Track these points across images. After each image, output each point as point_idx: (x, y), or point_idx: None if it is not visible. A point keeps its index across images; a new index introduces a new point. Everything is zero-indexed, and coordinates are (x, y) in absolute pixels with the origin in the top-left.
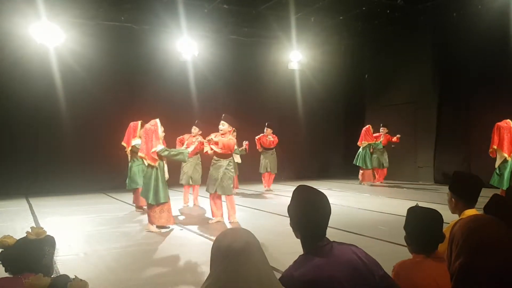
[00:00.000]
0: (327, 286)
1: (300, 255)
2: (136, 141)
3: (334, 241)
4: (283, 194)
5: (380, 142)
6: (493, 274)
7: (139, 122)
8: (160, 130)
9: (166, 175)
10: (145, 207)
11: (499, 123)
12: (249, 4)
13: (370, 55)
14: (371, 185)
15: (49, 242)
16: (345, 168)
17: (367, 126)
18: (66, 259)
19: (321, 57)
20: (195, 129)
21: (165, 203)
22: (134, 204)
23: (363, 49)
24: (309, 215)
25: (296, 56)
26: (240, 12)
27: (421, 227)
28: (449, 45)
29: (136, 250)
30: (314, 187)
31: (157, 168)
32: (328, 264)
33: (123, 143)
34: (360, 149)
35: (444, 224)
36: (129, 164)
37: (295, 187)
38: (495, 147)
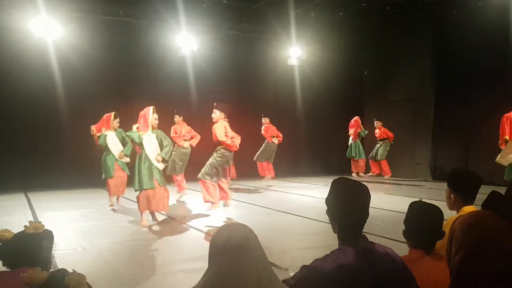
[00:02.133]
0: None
1: (338, 249)
2: (109, 134)
3: (376, 243)
4: (281, 190)
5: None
6: (493, 269)
7: (112, 114)
8: (152, 117)
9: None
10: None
11: (507, 114)
12: None
13: (369, 51)
14: (360, 176)
15: (47, 236)
16: (343, 164)
17: (356, 117)
18: (64, 253)
19: (320, 53)
20: (177, 117)
21: (147, 189)
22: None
23: (362, 45)
24: (350, 203)
25: (296, 52)
26: (240, 7)
27: (420, 222)
28: (448, 42)
29: (134, 245)
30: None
31: (140, 155)
32: (361, 268)
33: (93, 127)
34: (350, 141)
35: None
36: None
37: (297, 183)
38: (507, 137)
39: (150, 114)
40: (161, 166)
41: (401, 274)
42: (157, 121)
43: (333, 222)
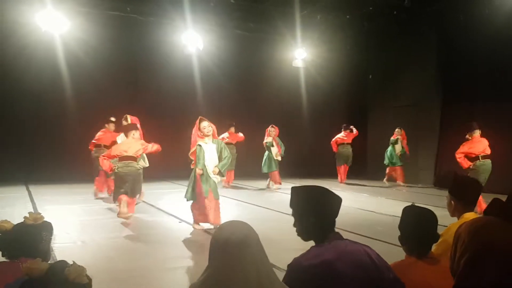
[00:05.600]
0: (334, 281)
1: (312, 246)
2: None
3: (347, 239)
4: (283, 192)
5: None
6: (498, 273)
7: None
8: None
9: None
10: None
11: None
12: None
13: (375, 55)
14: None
15: (46, 228)
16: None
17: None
18: (64, 246)
19: (326, 54)
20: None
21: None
22: None
23: (368, 49)
24: (325, 204)
25: (301, 54)
26: (247, 7)
27: (414, 226)
28: (454, 48)
29: (134, 241)
30: (316, 184)
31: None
32: (338, 260)
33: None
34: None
35: (441, 226)
36: None
37: (293, 184)
38: None
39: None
40: (217, 179)
41: (377, 265)
42: (209, 129)
43: (304, 224)
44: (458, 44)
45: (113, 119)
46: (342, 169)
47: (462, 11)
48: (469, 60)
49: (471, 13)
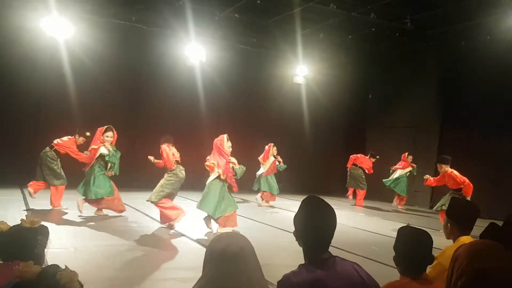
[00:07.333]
0: None
1: (301, 264)
2: (101, 150)
3: (337, 256)
4: (282, 207)
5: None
6: None
7: (105, 128)
8: (226, 145)
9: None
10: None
11: None
12: (260, 15)
13: (375, 75)
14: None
15: (42, 232)
16: (344, 186)
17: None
18: (56, 252)
19: (327, 71)
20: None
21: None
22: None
23: (369, 69)
24: (316, 224)
25: (302, 70)
26: (250, 22)
27: (409, 247)
28: (454, 72)
29: (126, 249)
30: None
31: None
32: (328, 278)
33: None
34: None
35: (436, 249)
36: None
37: (299, 201)
38: None
39: (224, 143)
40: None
41: (366, 283)
42: (230, 149)
43: (298, 240)
44: (458, 68)
45: (88, 133)
46: (350, 192)
47: (463, 36)
48: (469, 84)
49: (472, 38)
